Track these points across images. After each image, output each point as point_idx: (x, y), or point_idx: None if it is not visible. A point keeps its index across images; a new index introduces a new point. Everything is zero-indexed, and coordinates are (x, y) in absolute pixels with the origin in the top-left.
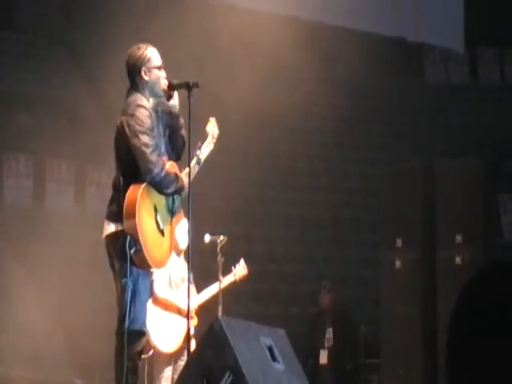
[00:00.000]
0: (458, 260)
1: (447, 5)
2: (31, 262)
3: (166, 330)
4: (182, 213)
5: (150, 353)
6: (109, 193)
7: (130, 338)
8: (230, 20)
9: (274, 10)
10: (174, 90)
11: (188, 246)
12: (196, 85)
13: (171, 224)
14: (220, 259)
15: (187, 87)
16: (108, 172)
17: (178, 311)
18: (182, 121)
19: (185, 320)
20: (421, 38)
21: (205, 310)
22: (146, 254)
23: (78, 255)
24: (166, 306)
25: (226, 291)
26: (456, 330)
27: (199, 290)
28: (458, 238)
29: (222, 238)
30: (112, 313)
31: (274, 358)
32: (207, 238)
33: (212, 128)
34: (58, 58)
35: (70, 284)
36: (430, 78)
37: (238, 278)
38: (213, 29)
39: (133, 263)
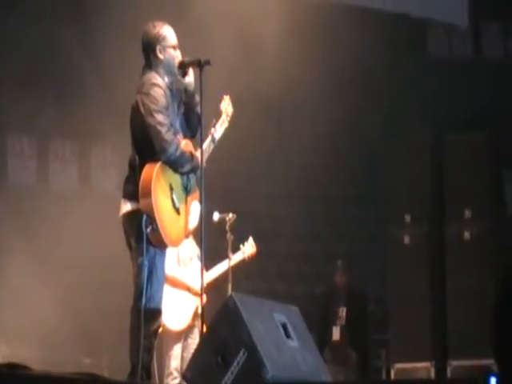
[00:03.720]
0: (466, 235)
1: None
2: (37, 242)
3: (175, 308)
4: (197, 191)
5: (159, 330)
6: (113, 171)
7: (146, 316)
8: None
9: None
10: (185, 68)
11: (201, 224)
12: (207, 62)
13: (186, 202)
14: (229, 237)
15: (199, 65)
16: (112, 151)
17: (187, 289)
18: (197, 98)
19: (194, 298)
20: (424, 13)
21: (214, 287)
22: (162, 233)
23: (83, 234)
24: (175, 283)
25: (233, 269)
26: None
27: (208, 268)
28: (467, 212)
29: (230, 215)
30: (120, 291)
31: (287, 335)
32: (216, 216)
33: (226, 106)
34: (61, 40)
35: (76, 263)
36: (433, 53)
37: (246, 255)
38: (217, 16)
39: (149, 242)
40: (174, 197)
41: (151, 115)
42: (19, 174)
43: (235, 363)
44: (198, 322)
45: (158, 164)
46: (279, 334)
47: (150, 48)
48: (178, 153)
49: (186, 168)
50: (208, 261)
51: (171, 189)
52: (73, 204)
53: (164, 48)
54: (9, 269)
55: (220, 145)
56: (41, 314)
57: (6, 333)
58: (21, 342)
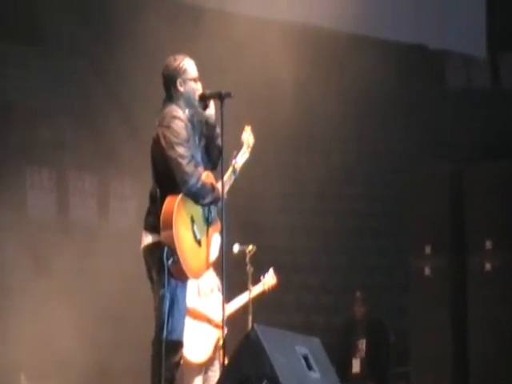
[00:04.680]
0: (488, 266)
1: (469, 10)
2: (55, 275)
3: (196, 340)
4: (218, 223)
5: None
6: (132, 205)
7: (167, 348)
8: (239, 28)
9: (287, 18)
10: (206, 100)
11: (222, 255)
12: (228, 95)
13: (208, 234)
14: (249, 269)
15: (219, 97)
16: (131, 184)
17: (208, 321)
18: (218, 131)
19: (214, 330)
20: (442, 44)
21: (233, 320)
22: (183, 265)
23: (101, 268)
24: (196, 315)
25: (252, 301)
26: None
27: (228, 300)
28: (488, 243)
29: (250, 247)
30: (138, 324)
31: (309, 367)
32: (236, 247)
33: (247, 136)
34: (80, 71)
35: (95, 296)
36: (451, 84)
37: (267, 287)
38: (240, 39)
39: (170, 274)
40: (195, 229)
41: (172, 148)
42: (38, 206)
43: None
44: (219, 354)
45: (180, 196)
46: (301, 365)
47: (170, 81)
48: (199, 184)
49: (208, 200)
50: (228, 293)
51: (192, 221)
52: (92, 237)
53: (185, 81)
54: (28, 303)
55: (240, 178)
56: (60, 348)
57: (25, 366)
58: (41, 376)
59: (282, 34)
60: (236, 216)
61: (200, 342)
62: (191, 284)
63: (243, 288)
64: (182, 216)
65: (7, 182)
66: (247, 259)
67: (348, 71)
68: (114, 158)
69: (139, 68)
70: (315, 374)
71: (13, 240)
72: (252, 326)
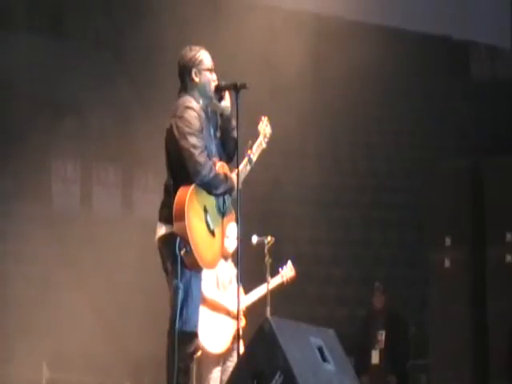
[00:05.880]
0: (508, 258)
1: (494, 0)
2: (80, 267)
3: (215, 331)
4: (233, 213)
5: (199, 353)
6: (155, 196)
7: (181, 339)
8: (259, 19)
9: (312, 9)
10: (222, 91)
11: (237, 247)
12: (244, 86)
13: (222, 225)
14: (267, 260)
15: (235, 88)
16: (154, 175)
17: (226, 312)
18: (233, 123)
19: (233, 321)
20: (466, 35)
21: (252, 311)
22: (196, 255)
23: (125, 259)
24: (214, 307)
25: (273, 292)
26: None
27: (247, 291)
28: (508, 235)
29: (269, 239)
30: (160, 315)
31: (324, 359)
32: (254, 239)
33: (264, 127)
34: (104, 63)
35: (118, 287)
36: (475, 75)
37: (285, 279)
38: (253, 30)
39: (184, 265)
40: (209, 219)
41: (185, 138)
42: (63, 198)
43: None
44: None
45: (192, 187)
46: (315, 357)
47: (186, 71)
48: (211, 175)
49: (221, 190)
50: (247, 284)
51: (205, 211)
52: (115, 228)
53: (200, 71)
54: (51, 294)
55: (261, 168)
56: (82, 338)
57: (48, 356)
58: (63, 365)
59: (307, 24)
60: (257, 207)
61: (218, 333)
62: (210, 276)
63: (262, 279)
64: (194, 206)
65: (32, 175)
66: (266, 250)
67: (370, 61)
68: (137, 150)
69: (163, 60)
70: (330, 366)
71: (37, 231)
72: (265, 318)
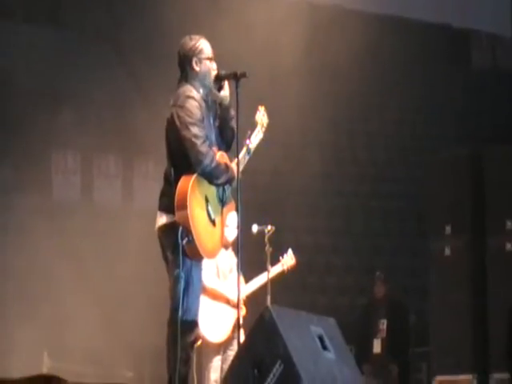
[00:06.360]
0: (508, 246)
1: None
2: (81, 257)
3: (215, 320)
4: (232, 203)
5: (199, 343)
6: (156, 186)
7: (182, 328)
8: (259, 9)
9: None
10: (221, 81)
11: (238, 236)
12: (244, 75)
13: (222, 214)
14: (268, 249)
15: (235, 77)
16: (155, 165)
17: (227, 301)
18: (232, 112)
19: (233, 310)
20: (467, 23)
21: (253, 300)
22: (197, 245)
23: (126, 249)
24: (214, 296)
25: (274, 282)
26: None
27: (247, 280)
28: (508, 224)
29: (269, 227)
30: (162, 305)
31: (324, 347)
32: (255, 228)
33: (261, 117)
34: (103, 55)
35: (119, 277)
36: (476, 64)
37: (286, 268)
38: (252, 20)
39: (185, 254)
40: (210, 208)
41: (186, 128)
42: (63, 189)
43: (271, 375)
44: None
45: (194, 176)
46: (316, 346)
47: (186, 60)
48: (213, 164)
49: (222, 179)
50: (247, 273)
51: (207, 201)
52: (116, 219)
53: (200, 60)
54: (52, 284)
55: (261, 158)
56: (83, 328)
57: (49, 346)
58: (64, 356)
59: (306, 13)
60: (257, 196)
61: (219, 322)
62: (210, 265)
63: (263, 268)
64: (196, 196)
65: (32, 166)
66: (266, 239)
67: (370, 50)
68: (137, 141)
69: (162, 51)
70: (330, 355)
71: (38, 223)
72: (265, 307)
